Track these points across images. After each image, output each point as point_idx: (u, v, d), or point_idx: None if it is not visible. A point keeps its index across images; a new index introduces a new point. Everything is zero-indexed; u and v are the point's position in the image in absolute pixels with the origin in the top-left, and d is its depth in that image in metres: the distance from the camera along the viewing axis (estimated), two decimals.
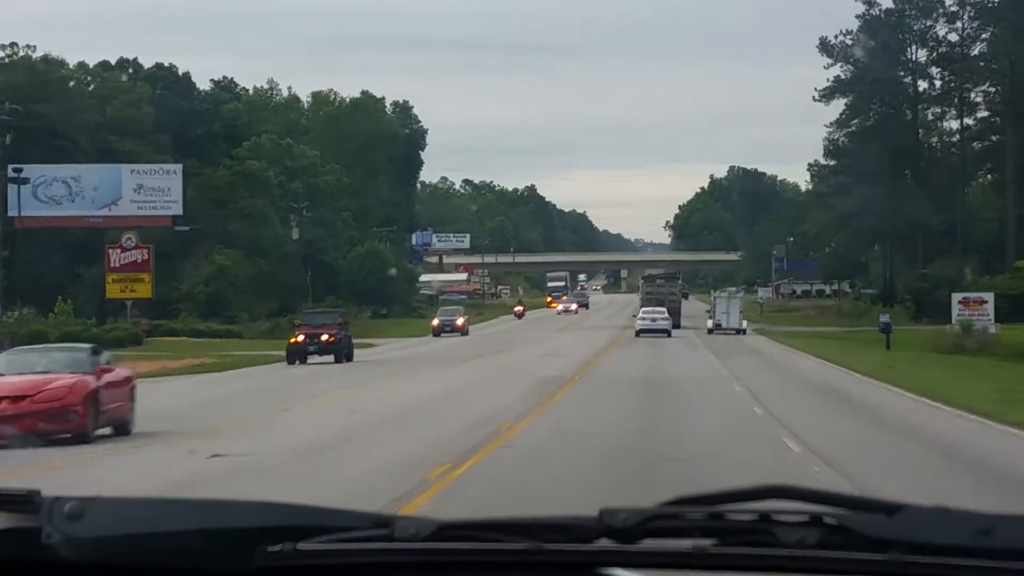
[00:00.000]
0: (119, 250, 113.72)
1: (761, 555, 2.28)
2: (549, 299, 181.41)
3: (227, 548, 2.45)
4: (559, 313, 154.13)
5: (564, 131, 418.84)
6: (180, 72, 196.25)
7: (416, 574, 2.43)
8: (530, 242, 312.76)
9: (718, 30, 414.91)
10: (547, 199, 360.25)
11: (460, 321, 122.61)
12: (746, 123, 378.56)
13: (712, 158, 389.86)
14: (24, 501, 2.53)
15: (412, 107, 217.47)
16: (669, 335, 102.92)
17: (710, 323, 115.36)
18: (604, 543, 2.31)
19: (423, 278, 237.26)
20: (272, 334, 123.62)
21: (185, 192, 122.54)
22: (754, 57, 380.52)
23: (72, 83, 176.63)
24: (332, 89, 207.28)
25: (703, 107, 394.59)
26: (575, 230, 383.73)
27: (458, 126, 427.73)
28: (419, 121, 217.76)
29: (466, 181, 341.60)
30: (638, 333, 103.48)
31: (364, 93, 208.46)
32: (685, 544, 2.30)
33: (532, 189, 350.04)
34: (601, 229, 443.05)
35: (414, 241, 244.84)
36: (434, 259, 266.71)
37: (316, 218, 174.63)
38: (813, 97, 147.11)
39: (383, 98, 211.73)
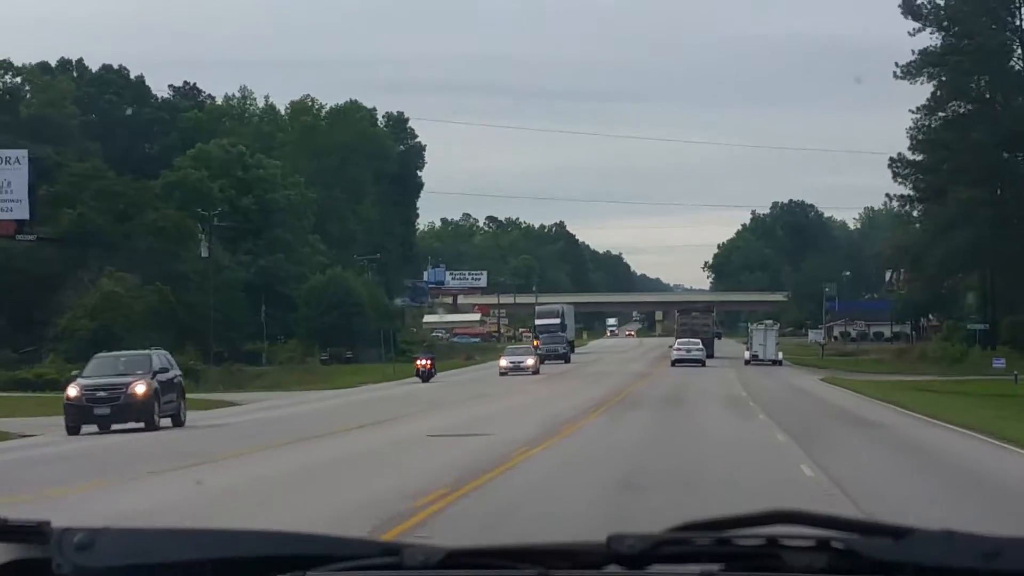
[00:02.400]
0: None
1: None
2: (536, 342, 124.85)
3: None
4: (502, 373, 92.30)
5: (599, 176, 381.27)
6: (132, 76, 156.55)
7: None
8: (557, 282, 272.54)
9: (753, 78, 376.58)
10: (578, 238, 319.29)
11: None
12: (783, 168, 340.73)
13: (752, 202, 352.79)
14: (34, 532, 2.45)
15: (407, 120, 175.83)
16: (703, 365, 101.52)
17: (747, 354, 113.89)
18: (612, 569, 2.23)
19: (427, 318, 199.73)
20: None
21: (32, 190, 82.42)
22: (788, 104, 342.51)
23: None
24: (309, 95, 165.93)
25: (740, 153, 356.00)
26: (610, 272, 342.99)
27: (486, 169, 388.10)
28: (415, 136, 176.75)
29: (490, 218, 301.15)
30: (673, 363, 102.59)
31: (350, 102, 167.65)
32: (693, 569, 2.21)
33: (561, 226, 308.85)
34: (639, 274, 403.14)
35: (425, 278, 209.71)
36: (448, 299, 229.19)
37: (274, 240, 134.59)
38: (895, 74, 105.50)
39: (374, 108, 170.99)
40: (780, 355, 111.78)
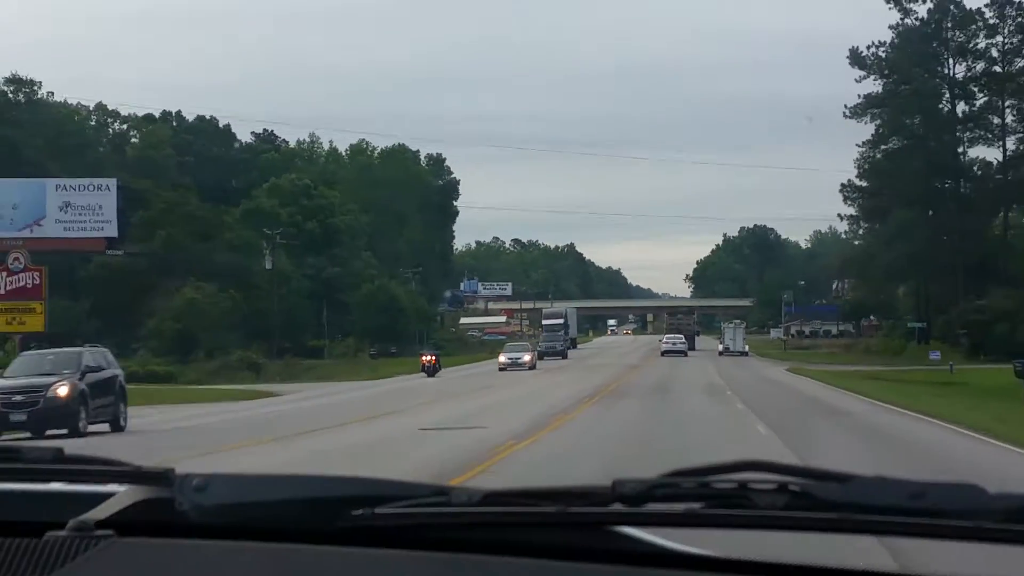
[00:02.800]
0: (4, 273, 67.80)
1: (739, 515, 2.29)
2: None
3: (319, 512, 2.47)
4: (501, 368, 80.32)
5: (602, 205, 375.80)
6: (220, 124, 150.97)
7: (467, 532, 2.43)
8: (568, 292, 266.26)
9: (722, 128, 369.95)
10: (585, 256, 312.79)
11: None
12: (751, 200, 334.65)
13: (723, 228, 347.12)
14: (161, 477, 2.55)
15: (444, 159, 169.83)
16: (686, 355, 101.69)
17: (720, 347, 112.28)
18: (617, 507, 2.33)
19: (464, 320, 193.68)
20: (218, 375, 78.86)
21: (121, 212, 76.35)
22: (752, 145, 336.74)
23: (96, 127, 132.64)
24: (364, 140, 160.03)
25: (715, 188, 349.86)
26: (611, 283, 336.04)
27: (513, 202, 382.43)
28: (451, 173, 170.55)
29: (515, 240, 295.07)
30: (663, 353, 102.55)
31: (398, 146, 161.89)
32: (680, 507, 2.32)
33: (571, 247, 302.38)
34: (634, 285, 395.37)
35: (461, 288, 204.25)
36: (480, 305, 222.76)
37: (333, 256, 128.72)
38: (844, 114, 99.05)
39: (417, 151, 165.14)
40: (747, 347, 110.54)
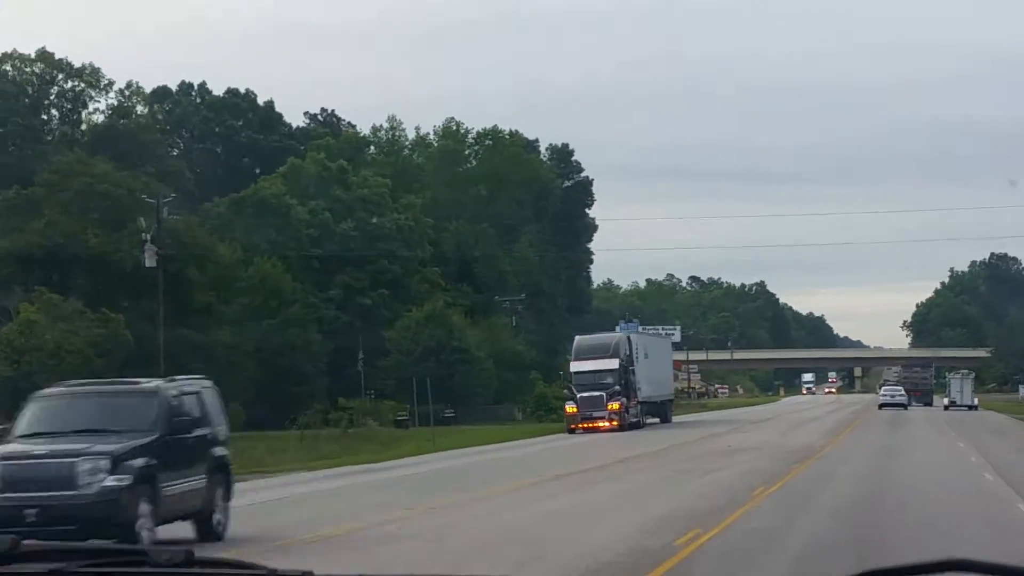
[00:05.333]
0: None
1: None
2: (571, 407, 67.26)
3: None
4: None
5: (799, 250, 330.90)
6: (261, 101, 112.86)
7: None
8: (756, 338, 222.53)
9: (927, 158, 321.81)
10: (779, 298, 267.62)
11: None
12: (974, 239, 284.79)
13: (951, 261, 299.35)
14: None
15: (572, 151, 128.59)
16: (906, 408, 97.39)
17: (946, 400, 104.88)
18: None
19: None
20: None
21: None
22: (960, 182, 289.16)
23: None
24: (454, 119, 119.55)
25: (927, 225, 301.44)
26: (812, 332, 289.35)
27: (686, 240, 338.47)
28: (582, 170, 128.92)
29: (692, 278, 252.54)
30: (880, 407, 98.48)
31: (512, 133, 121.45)
32: None
33: (762, 285, 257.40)
34: (840, 336, 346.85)
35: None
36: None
37: (377, 274, 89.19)
38: None
39: (536, 140, 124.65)
40: (975, 400, 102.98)
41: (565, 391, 70.51)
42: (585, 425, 64.28)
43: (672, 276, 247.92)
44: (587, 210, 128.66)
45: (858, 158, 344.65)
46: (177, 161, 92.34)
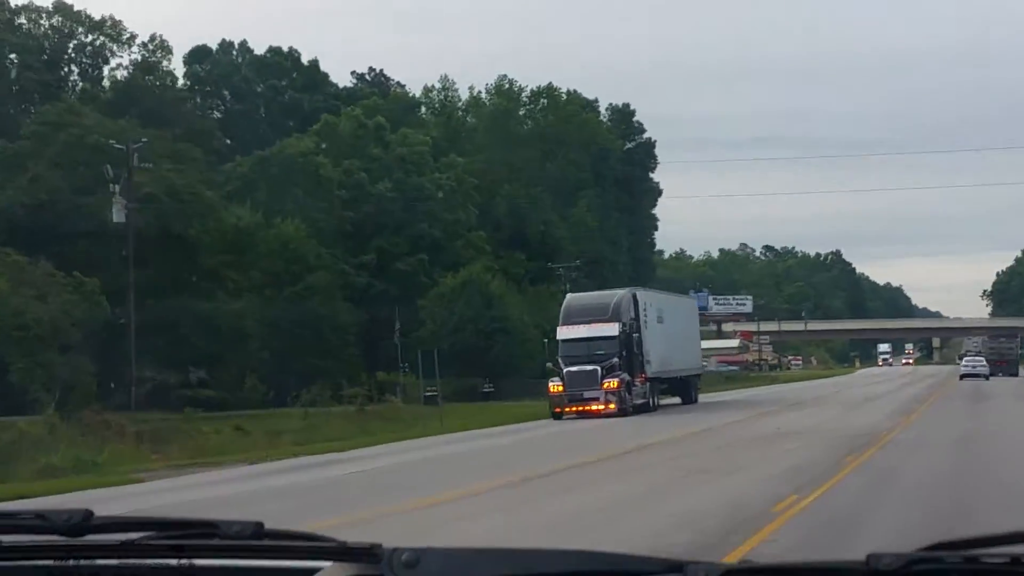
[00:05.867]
0: None
1: None
2: (555, 385, 52.88)
3: None
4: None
5: (876, 219, 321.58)
6: (306, 60, 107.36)
7: None
8: (832, 309, 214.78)
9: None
10: (856, 268, 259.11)
11: None
12: None
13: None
14: (369, 553, 2.47)
15: (634, 112, 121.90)
16: (987, 379, 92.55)
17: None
18: None
19: None
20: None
21: None
22: None
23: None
24: (506, 76, 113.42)
25: (1006, 195, 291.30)
26: (890, 303, 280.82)
27: (763, 211, 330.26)
28: (643, 131, 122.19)
29: (767, 247, 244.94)
30: (962, 377, 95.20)
31: (570, 92, 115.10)
32: None
33: (838, 254, 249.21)
34: (920, 306, 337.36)
35: None
36: (713, 326, 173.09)
37: (417, 239, 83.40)
38: None
39: (595, 100, 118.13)
40: None
41: (549, 365, 55.22)
42: (574, 408, 51.57)
43: (745, 246, 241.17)
44: (650, 174, 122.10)
45: (937, 127, 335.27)
46: (206, 120, 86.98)
